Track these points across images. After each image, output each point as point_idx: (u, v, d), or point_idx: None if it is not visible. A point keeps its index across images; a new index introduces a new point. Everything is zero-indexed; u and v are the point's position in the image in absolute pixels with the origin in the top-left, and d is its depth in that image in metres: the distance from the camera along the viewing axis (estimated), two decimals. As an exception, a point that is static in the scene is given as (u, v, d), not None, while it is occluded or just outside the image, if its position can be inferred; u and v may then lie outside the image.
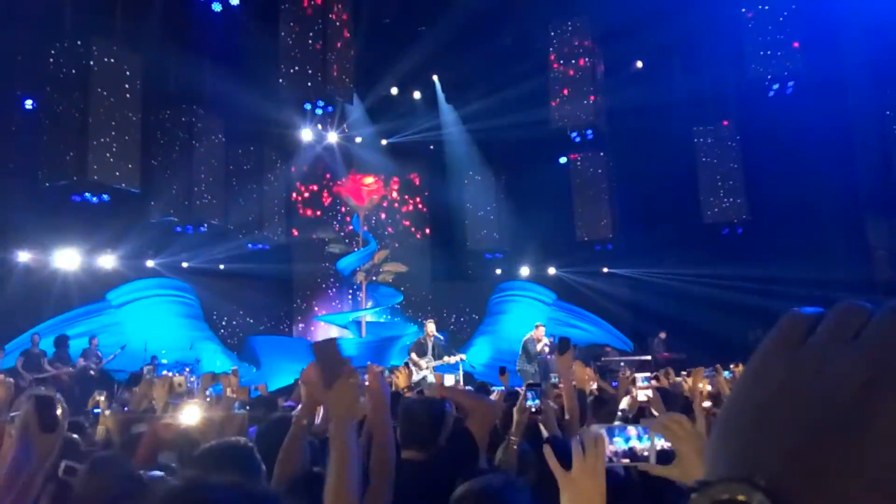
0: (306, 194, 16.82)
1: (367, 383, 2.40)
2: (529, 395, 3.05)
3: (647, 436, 1.34)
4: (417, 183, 17.64)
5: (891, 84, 13.69)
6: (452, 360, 10.47)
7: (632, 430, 1.36)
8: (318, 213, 16.87)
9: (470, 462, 2.46)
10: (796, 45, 12.84)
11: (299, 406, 2.75)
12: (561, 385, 7.60)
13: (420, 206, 17.67)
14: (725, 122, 14.65)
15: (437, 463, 2.41)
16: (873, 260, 13.55)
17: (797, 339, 0.42)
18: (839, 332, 0.41)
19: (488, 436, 2.69)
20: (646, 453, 1.34)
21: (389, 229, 16.99)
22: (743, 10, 13.37)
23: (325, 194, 16.92)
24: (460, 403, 2.74)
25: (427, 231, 17.58)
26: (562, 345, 3.66)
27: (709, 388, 5.60)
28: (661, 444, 1.37)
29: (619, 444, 1.34)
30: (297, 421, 2.41)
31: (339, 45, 13.10)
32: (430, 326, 10.64)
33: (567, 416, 3.43)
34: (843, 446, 0.37)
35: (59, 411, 1.63)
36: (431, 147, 17.08)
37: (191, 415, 3.03)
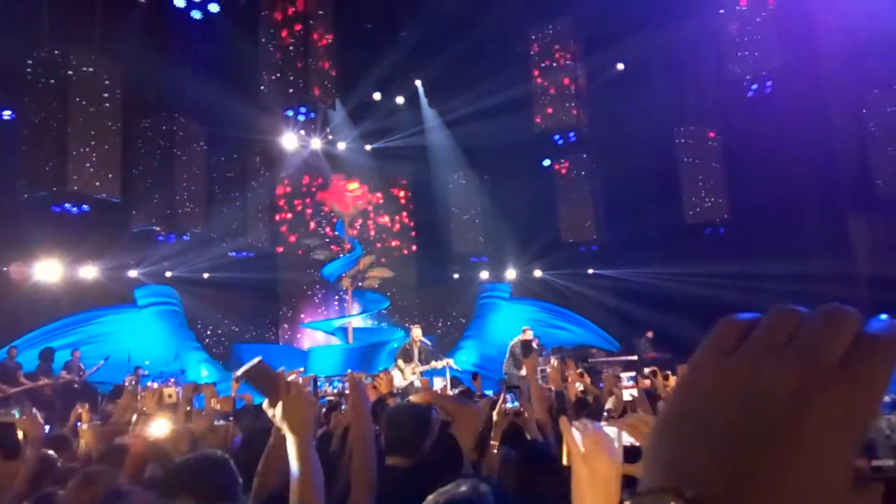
0: (291, 201, 16.74)
1: (346, 392, 2.39)
2: (509, 397, 3.04)
3: (615, 437, 1.35)
4: (401, 189, 17.62)
5: (867, 82, 13.89)
6: (439, 364, 10.45)
7: (609, 431, 1.36)
8: (305, 219, 16.80)
9: (454, 468, 2.45)
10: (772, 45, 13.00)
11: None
12: (547, 387, 7.62)
13: (405, 210, 17.66)
14: (707, 127, 14.79)
15: (422, 469, 2.40)
16: (854, 256, 13.71)
17: (730, 346, 0.42)
18: (771, 337, 0.40)
19: (473, 442, 2.68)
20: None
21: (372, 232, 16.95)
22: (721, 11, 13.52)
23: (309, 200, 16.85)
24: (445, 409, 2.73)
25: (412, 235, 17.57)
26: (525, 348, 3.73)
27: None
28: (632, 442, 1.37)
29: None
30: (277, 431, 2.38)
31: (320, 50, 13.09)
32: (416, 332, 10.63)
33: (538, 418, 3.43)
34: (771, 455, 0.37)
35: (20, 435, 1.61)
36: (415, 151, 17.08)
37: (159, 428, 2.97)
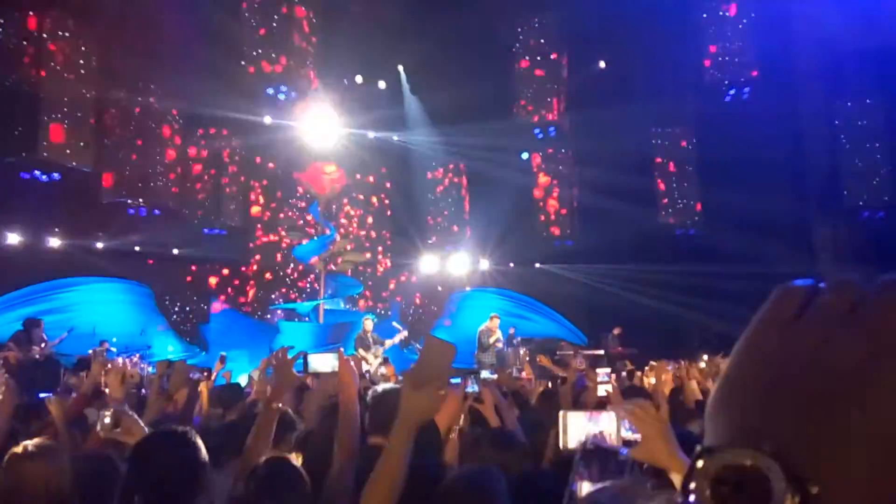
0: (265, 181, 16.55)
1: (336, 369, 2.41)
2: (469, 382, 3.08)
3: (615, 422, 1.42)
4: (378, 174, 17.54)
5: (840, 95, 14.24)
6: (395, 340, 10.83)
7: (604, 417, 1.42)
8: (278, 199, 16.62)
9: (433, 451, 2.50)
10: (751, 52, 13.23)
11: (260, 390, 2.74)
12: (522, 376, 7.70)
13: (381, 195, 17.59)
14: (683, 129, 15.01)
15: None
16: (817, 262, 14.09)
17: (792, 313, 0.45)
18: (837, 306, 0.44)
19: (450, 425, 2.73)
20: (612, 436, 1.42)
21: (347, 216, 16.86)
22: (704, 15, 13.71)
23: (286, 181, 16.67)
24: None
25: (388, 222, 17.51)
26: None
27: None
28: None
29: (591, 429, 1.40)
30: (268, 403, 2.41)
31: (304, 29, 12.93)
32: (368, 323, 11.08)
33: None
34: (845, 414, 0.40)
35: None
36: (395, 138, 17.00)
37: (134, 432, 2.81)
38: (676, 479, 1.35)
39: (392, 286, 17.06)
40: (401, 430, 1.61)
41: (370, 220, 17.21)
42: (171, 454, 1.95)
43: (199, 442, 2.04)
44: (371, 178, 17.30)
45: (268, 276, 16.38)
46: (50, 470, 2.20)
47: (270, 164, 16.29)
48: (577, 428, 1.39)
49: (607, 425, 1.41)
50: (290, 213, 16.48)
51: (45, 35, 11.09)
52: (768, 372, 0.44)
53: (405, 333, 11.33)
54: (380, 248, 16.91)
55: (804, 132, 14.46)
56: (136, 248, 14.38)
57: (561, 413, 1.43)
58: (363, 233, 17.00)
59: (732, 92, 13.44)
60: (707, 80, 13.60)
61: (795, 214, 14.00)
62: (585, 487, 1.15)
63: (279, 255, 16.09)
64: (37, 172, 11.12)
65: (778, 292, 0.47)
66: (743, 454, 0.40)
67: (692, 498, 0.41)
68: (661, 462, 1.38)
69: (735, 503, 0.40)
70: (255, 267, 16.39)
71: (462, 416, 3.16)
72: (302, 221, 15.97)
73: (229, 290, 16.11)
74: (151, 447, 2.02)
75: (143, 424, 2.68)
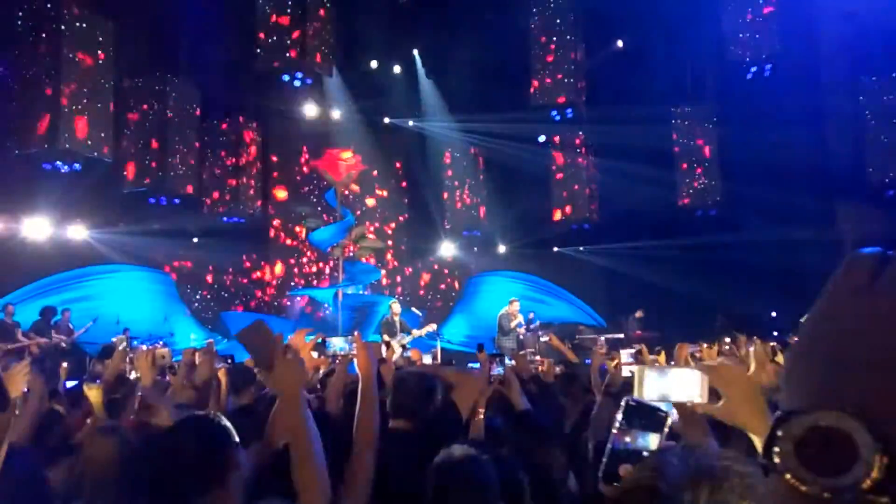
0: (283, 168, 16.62)
1: (354, 353, 2.41)
2: (495, 364, 3.10)
3: (697, 379, 1.39)
4: (395, 160, 17.52)
5: (865, 71, 13.91)
6: (423, 332, 10.75)
7: (680, 373, 1.41)
8: (295, 186, 16.69)
9: (455, 433, 2.49)
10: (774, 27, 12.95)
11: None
12: (537, 359, 7.68)
13: (398, 181, 17.58)
14: (704, 108, 14.77)
15: (425, 433, 2.44)
16: (841, 244, 13.85)
17: (866, 280, 0.46)
18: None
19: (472, 408, 2.73)
20: (696, 394, 1.38)
21: (362, 199, 16.88)
22: (725, -9, 13.43)
23: (303, 168, 16.73)
24: (446, 378, 2.77)
25: (405, 207, 17.52)
26: (478, 348, 3.79)
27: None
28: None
29: (670, 386, 1.38)
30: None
31: (319, 15, 12.88)
32: (396, 307, 10.97)
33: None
34: None
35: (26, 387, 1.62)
36: (411, 122, 16.95)
37: (162, 416, 2.88)
38: (757, 440, 1.33)
39: (408, 272, 17.10)
40: (286, 409, 1.72)
41: (386, 205, 17.23)
42: (202, 438, 1.97)
43: (230, 426, 2.07)
44: (386, 164, 17.28)
45: (284, 265, 16.50)
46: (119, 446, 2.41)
47: (287, 152, 16.34)
48: (653, 384, 1.37)
49: (688, 382, 1.38)
50: (308, 200, 16.55)
51: (63, 27, 11.15)
52: (846, 337, 0.44)
53: (433, 326, 11.27)
54: (395, 233, 16.92)
55: (827, 109, 14.17)
56: (157, 237, 14.54)
57: (638, 367, 1.40)
58: (381, 216, 17.03)
59: (754, 69, 13.16)
60: (728, 56, 13.33)
61: (818, 193, 13.76)
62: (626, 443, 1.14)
63: (297, 243, 16.19)
64: (58, 163, 11.24)
65: (849, 261, 0.48)
66: (827, 416, 0.41)
67: (777, 461, 0.41)
68: (745, 424, 1.34)
69: (821, 464, 0.40)
70: (273, 254, 16.52)
71: (483, 399, 3.16)
72: (320, 208, 16.03)
73: (252, 274, 16.27)
74: (183, 431, 2.05)
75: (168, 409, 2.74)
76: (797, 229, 13.24)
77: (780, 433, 0.42)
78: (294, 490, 1.95)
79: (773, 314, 13.32)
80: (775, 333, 10.90)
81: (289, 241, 16.36)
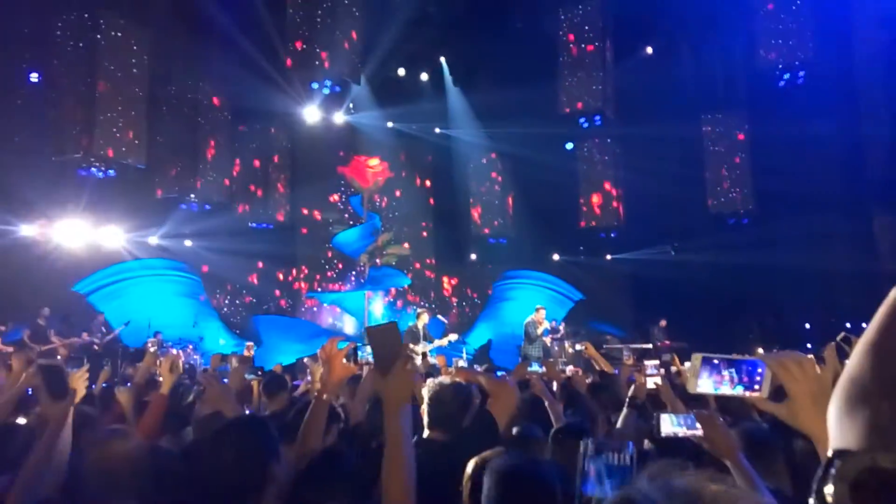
0: (310, 175, 16.75)
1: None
2: (534, 364, 3.14)
3: (760, 370, 1.30)
4: (421, 167, 17.57)
5: (902, 76, 13.58)
6: (444, 341, 10.80)
7: (742, 363, 1.31)
8: (323, 192, 16.80)
9: (490, 444, 2.47)
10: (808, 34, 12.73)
11: (316, 381, 2.76)
12: (568, 370, 7.63)
13: (424, 188, 17.62)
14: (735, 115, 14.56)
15: (460, 444, 2.43)
16: (877, 252, 13.53)
17: None
18: None
19: (509, 417, 2.71)
20: (757, 388, 1.28)
21: (388, 205, 16.94)
22: (756, -4, 13.23)
23: (330, 175, 16.85)
24: (483, 386, 2.75)
25: (431, 215, 17.54)
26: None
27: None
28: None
29: (718, 376, 1.30)
30: (319, 396, 2.42)
31: (347, 24, 12.99)
32: (424, 316, 11.06)
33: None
34: None
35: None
36: (437, 130, 16.99)
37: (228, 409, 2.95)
38: (821, 449, 1.21)
39: (433, 277, 17.09)
40: (388, 416, 1.66)
41: (412, 211, 17.27)
42: (247, 449, 1.98)
43: (275, 436, 2.08)
44: (413, 171, 17.34)
45: (311, 270, 16.60)
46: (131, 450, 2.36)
47: (315, 158, 16.47)
48: (708, 375, 1.29)
49: (749, 374, 1.30)
50: (335, 206, 16.67)
51: (99, 36, 11.41)
52: None
53: (455, 336, 11.34)
54: (421, 240, 16.93)
55: (862, 116, 13.86)
56: (188, 243, 14.77)
57: (694, 355, 1.31)
58: (407, 223, 17.07)
59: (787, 75, 12.93)
60: (759, 63, 13.12)
61: (854, 202, 13.48)
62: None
63: (324, 248, 16.28)
64: (93, 169, 11.48)
65: None
66: (888, 457, 0.38)
67: (830, 501, 0.38)
68: (809, 429, 1.22)
69: None
70: (300, 260, 16.64)
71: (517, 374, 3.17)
72: (346, 215, 16.14)
73: (280, 279, 16.41)
74: (228, 434, 2.06)
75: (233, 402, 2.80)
76: (832, 240, 12.97)
77: (834, 471, 0.39)
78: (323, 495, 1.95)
79: (807, 325, 13.05)
80: (808, 346, 10.67)
81: (316, 247, 16.47)
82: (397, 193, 17.07)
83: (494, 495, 1.78)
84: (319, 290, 16.30)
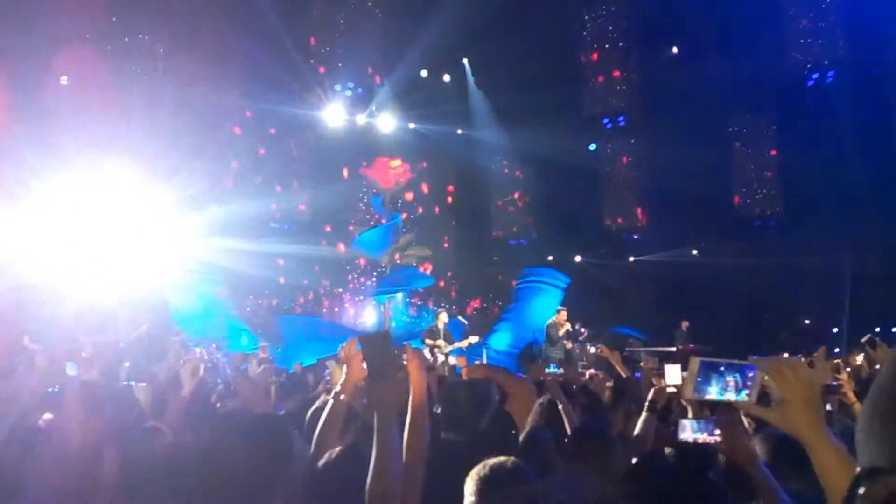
0: (332, 175, 16.82)
1: (405, 363, 2.37)
2: (551, 366, 3.13)
3: (752, 375, 1.28)
4: (443, 168, 17.54)
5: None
6: (464, 343, 10.77)
7: (734, 368, 1.29)
8: (345, 193, 16.85)
9: (509, 445, 2.43)
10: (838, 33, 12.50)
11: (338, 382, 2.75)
12: (587, 374, 7.54)
13: (446, 189, 17.59)
14: (763, 115, 14.33)
15: (477, 445, 2.39)
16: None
17: None
18: None
19: (527, 417, 2.66)
20: (747, 393, 1.27)
21: (417, 211, 16.93)
22: (784, -5, 13.03)
23: (352, 176, 16.90)
24: (502, 385, 2.71)
25: (452, 216, 17.51)
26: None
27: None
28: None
29: (718, 382, 1.28)
30: (336, 396, 2.40)
31: (370, 25, 13.04)
32: (443, 315, 11.12)
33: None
34: None
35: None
36: (459, 131, 16.96)
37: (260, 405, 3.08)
38: (814, 456, 1.21)
39: (454, 279, 17.04)
40: (379, 424, 1.69)
41: (434, 213, 17.25)
42: (262, 450, 1.97)
43: (293, 439, 2.08)
44: (435, 172, 17.32)
45: (333, 271, 16.67)
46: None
47: (337, 159, 16.54)
48: (706, 377, 1.27)
49: (743, 378, 1.28)
50: (357, 207, 16.72)
51: (127, 39, 11.57)
52: None
53: (476, 338, 11.31)
54: (442, 241, 16.90)
55: (892, 116, 13.56)
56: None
57: (692, 358, 1.29)
58: (428, 226, 17.05)
59: (816, 75, 12.70)
60: (788, 62, 12.91)
61: (884, 204, 13.18)
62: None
63: (346, 249, 16.32)
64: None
65: None
66: None
67: None
68: (800, 433, 1.21)
69: None
70: (322, 261, 16.70)
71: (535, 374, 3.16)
72: (368, 216, 16.17)
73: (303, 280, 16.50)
74: (243, 433, 2.06)
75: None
76: (862, 243, 12.69)
77: (862, 492, 0.36)
78: None
79: (835, 329, 12.79)
80: (836, 350, 10.44)
81: (338, 248, 16.52)
82: (419, 194, 17.04)
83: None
84: (339, 291, 16.34)
